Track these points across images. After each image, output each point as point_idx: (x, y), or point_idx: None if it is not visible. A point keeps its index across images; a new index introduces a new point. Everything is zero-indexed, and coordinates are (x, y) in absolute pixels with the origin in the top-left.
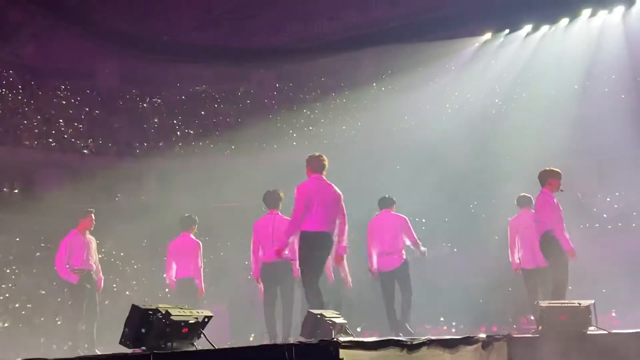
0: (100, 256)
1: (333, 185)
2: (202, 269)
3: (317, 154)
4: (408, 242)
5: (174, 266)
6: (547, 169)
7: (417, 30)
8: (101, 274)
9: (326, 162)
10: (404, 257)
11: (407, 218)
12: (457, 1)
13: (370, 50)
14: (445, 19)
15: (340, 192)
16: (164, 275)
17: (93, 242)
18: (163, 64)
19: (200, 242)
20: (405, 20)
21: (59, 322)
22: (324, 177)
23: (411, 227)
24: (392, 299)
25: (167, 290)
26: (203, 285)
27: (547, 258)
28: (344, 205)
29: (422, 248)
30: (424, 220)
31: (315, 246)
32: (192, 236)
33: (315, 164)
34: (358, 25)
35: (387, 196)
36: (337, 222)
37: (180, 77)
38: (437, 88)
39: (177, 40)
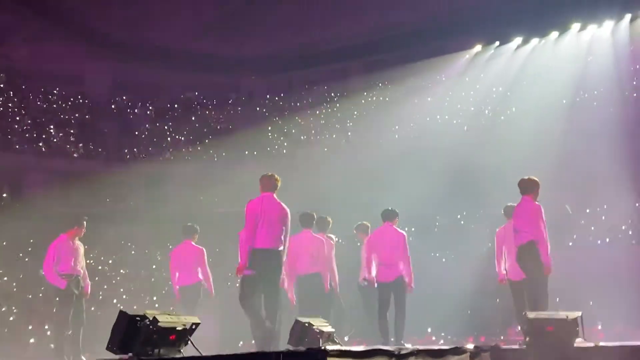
0: (88, 262)
1: (281, 203)
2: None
3: (269, 173)
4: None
5: (177, 275)
6: (530, 177)
7: (408, 41)
8: (88, 280)
9: (278, 182)
10: (402, 270)
11: (405, 236)
12: (447, 13)
13: (361, 60)
14: (436, 31)
15: (287, 210)
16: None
17: (81, 248)
18: (154, 70)
19: (203, 248)
20: (396, 32)
21: (46, 327)
22: (275, 196)
23: (407, 246)
24: (386, 309)
25: (155, 297)
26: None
27: (528, 267)
28: (289, 224)
29: (409, 278)
30: (413, 229)
31: (257, 263)
32: (193, 244)
33: (265, 183)
34: (349, 36)
35: (390, 208)
36: (284, 238)
37: (171, 83)
38: (427, 99)
39: (168, 46)
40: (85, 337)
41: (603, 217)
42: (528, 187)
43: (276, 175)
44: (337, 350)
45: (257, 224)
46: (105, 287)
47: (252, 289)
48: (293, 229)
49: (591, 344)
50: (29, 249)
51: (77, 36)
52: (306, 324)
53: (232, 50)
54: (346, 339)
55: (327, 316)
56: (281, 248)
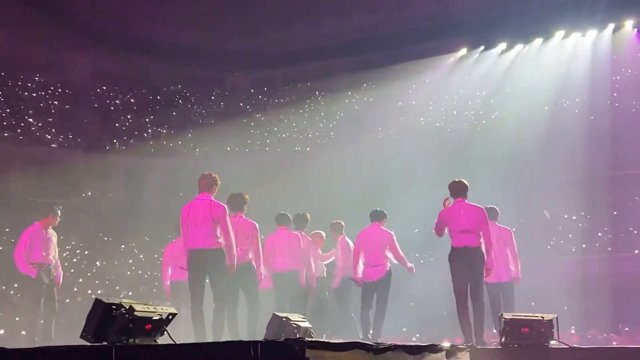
0: (64, 253)
1: (215, 202)
2: None
3: (206, 173)
4: (392, 258)
5: (170, 272)
6: (461, 180)
7: (394, 42)
8: (60, 270)
9: (216, 180)
10: (387, 270)
11: (393, 234)
12: (434, 15)
13: (346, 59)
14: (422, 32)
15: (219, 208)
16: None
17: (54, 237)
18: (137, 61)
19: None
20: (382, 32)
21: (17, 319)
22: (210, 196)
23: (396, 244)
24: (368, 308)
25: (130, 292)
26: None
27: (477, 268)
28: (225, 220)
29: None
30: (393, 230)
31: (191, 263)
32: None
33: (200, 184)
34: (335, 35)
35: (378, 209)
36: (221, 236)
37: (154, 75)
38: (411, 101)
39: (152, 38)
40: (58, 328)
41: (580, 225)
42: (462, 190)
43: (213, 174)
44: (315, 342)
45: (189, 226)
46: (81, 279)
47: (191, 291)
48: (270, 228)
49: (565, 346)
50: (4, 238)
51: (59, 24)
52: (283, 319)
53: (216, 45)
54: (324, 336)
55: (304, 313)
56: (216, 246)
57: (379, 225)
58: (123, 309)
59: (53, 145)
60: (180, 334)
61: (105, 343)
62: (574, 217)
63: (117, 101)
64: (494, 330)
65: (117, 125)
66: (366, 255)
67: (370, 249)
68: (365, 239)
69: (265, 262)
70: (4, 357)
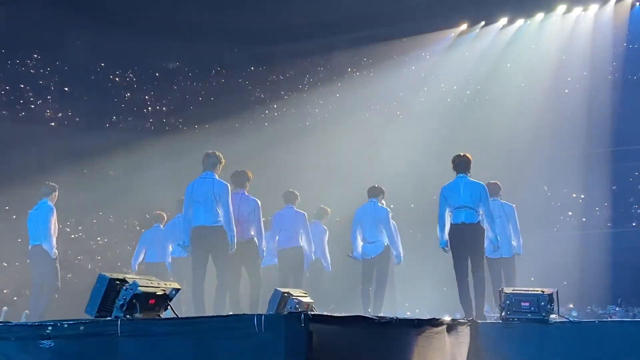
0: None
1: (218, 181)
2: None
3: (210, 151)
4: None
5: (170, 248)
6: (466, 154)
7: (394, 18)
8: None
9: (219, 159)
10: (385, 246)
11: (389, 211)
12: None
13: (346, 35)
14: (422, 7)
15: (222, 186)
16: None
17: None
18: (136, 38)
19: None
20: (382, 8)
21: (27, 293)
22: (213, 174)
23: (390, 222)
24: (369, 283)
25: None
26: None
27: (480, 245)
28: (226, 198)
29: (398, 250)
30: (392, 207)
31: (191, 241)
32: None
33: (204, 162)
34: (335, 10)
35: (375, 185)
36: (221, 213)
37: (152, 52)
38: (410, 76)
39: (151, 15)
40: (61, 304)
41: (580, 201)
42: (464, 165)
43: (217, 153)
44: (318, 315)
45: (191, 204)
46: (82, 256)
47: (193, 268)
48: (270, 204)
49: (565, 320)
50: (5, 216)
51: (58, 0)
52: (285, 294)
53: (215, 21)
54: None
55: (307, 288)
56: (218, 223)
57: (375, 202)
58: (127, 284)
59: (52, 124)
60: (182, 310)
61: (109, 318)
62: (574, 195)
63: (117, 78)
64: (494, 305)
65: (116, 102)
66: (363, 231)
67: (367, 225)
68: (362, 216)
69: (271, 237)
70: (15, 332)
